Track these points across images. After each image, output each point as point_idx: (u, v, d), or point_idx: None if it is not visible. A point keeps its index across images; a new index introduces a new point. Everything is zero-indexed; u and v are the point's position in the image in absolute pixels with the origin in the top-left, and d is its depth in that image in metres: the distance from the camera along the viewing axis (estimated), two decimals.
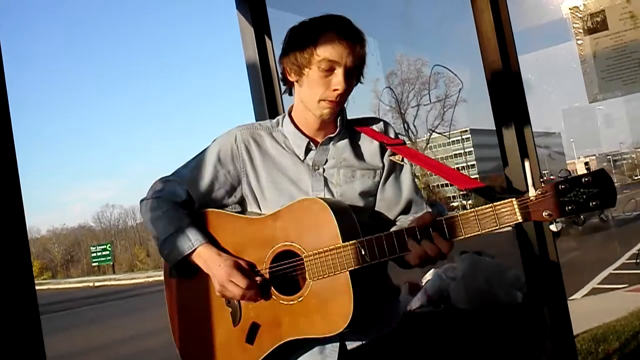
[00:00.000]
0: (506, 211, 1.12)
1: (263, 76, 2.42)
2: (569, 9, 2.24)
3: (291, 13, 2.74)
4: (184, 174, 1.43)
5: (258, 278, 1.29)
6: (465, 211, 1.15)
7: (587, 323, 4.91)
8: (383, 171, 1.42)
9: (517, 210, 1.11)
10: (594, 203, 1.06)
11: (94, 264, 39.75)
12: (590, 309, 5.87)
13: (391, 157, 1.42)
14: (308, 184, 1.38)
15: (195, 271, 1.35)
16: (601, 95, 2.21)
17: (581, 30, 2.21)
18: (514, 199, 1.12)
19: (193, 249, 1.33)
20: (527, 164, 1.17)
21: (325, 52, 1.31)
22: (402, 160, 1.42)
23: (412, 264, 1.23)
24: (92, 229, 50.25)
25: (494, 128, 2.17)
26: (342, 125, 1.43)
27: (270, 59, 2.45)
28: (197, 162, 1.43)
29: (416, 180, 1.51)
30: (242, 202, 1.45)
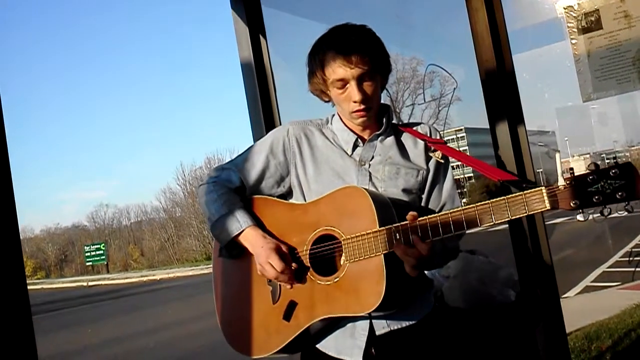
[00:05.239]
0: (535, 199, 1.16)
1: (258, 76, 2.40)
2: (564, 8, 2.25)
3: (286, 12, 2.74)
4: (238, 163, 1.51)
5: (294, 264, 1.36)
6: (496, 199, 1.19)
7: (580, 321, 4.94)
8: (427, 174, 1.47)
9: (545, 198, 1.15)
10: (620, 194, 1.09)
11: (87, 264, 39.61)
12: (583, 307, 5.90)
13: (430, 153, 1.47)
14: (354, 178, 1.43)
15: (241, 252, 1.44)
16: (595, 94, 2.22)
17: (575, 30, 2.22)
18: (543, 188, 1.16)
19: (241, 230, 1.41)
20: (557, 156, 1.27)
21: (332, 73, 1.37)
22: (441, 157, 1.47)
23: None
24: (86, 228, 49.83)
25: (489, 126, 2.18)
26: (387, 123, 1.48)
27: (265, 59, 2.43)
28: (251, 152, 1.51)
29: None
30: (289, 192, 1.51)
